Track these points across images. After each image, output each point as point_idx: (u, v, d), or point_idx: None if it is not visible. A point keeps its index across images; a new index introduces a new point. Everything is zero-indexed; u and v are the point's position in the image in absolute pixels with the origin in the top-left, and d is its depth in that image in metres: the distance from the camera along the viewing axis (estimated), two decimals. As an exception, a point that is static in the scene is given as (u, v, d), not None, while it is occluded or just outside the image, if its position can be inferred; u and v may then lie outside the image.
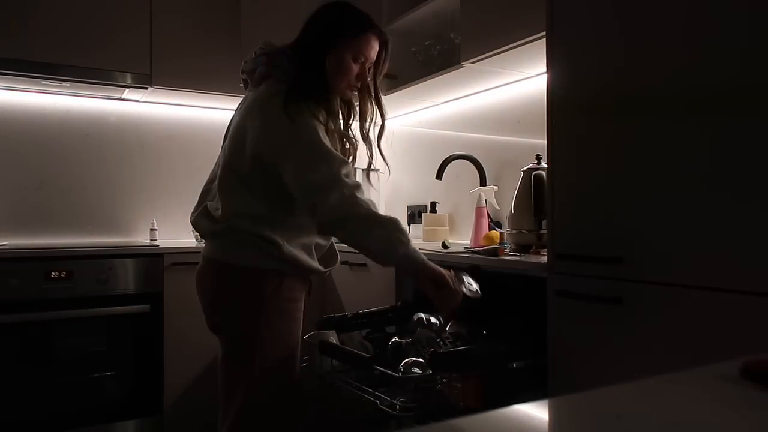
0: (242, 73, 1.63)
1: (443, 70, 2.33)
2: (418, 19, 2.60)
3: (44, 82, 2.57)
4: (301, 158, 1.43)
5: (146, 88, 2.69)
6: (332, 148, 1.45)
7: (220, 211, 1.51)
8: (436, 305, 1.47)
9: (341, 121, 1.64)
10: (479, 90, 2.57)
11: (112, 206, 2.91)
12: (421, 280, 1.42)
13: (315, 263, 1.55)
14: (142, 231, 2.91)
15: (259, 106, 1.50)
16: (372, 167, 1.67)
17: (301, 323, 1.59)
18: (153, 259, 2.44)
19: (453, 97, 2.73)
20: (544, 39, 1.49)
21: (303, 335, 1.62)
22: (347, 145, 1.64)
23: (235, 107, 1.64)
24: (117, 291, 2.36)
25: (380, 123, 1.67)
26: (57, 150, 2.81)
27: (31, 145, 2.76)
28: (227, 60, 2.72)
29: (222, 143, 1.62)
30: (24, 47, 2.40)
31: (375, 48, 1.59)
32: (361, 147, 1.66)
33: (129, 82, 2.62)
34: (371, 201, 1.44)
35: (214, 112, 3.07)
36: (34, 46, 2.42)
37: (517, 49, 1.99)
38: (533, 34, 1.87)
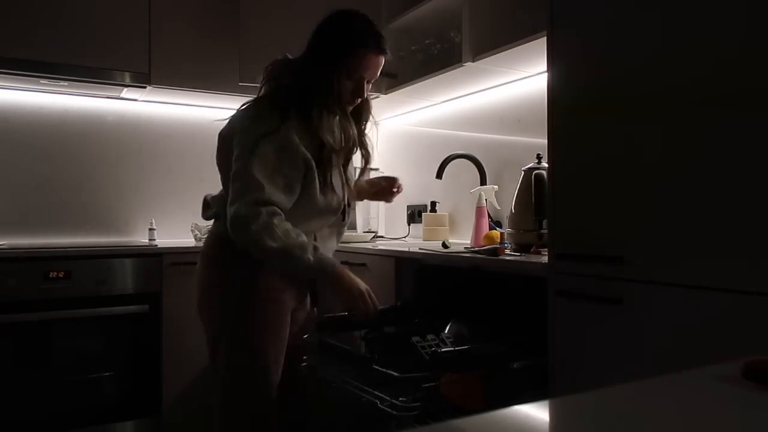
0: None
1: (443, 68, 2.32)
2: (418, 18, 2.60)
3: (42, 81, 2.57)
4: (235, 176, 1.43)
5: (145, 87, 2.69)
6: (266, 171, 1.40)
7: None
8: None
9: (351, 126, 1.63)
10: (479, 89, 2.57)
11: (111, 206, 2.91)
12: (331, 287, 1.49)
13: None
14: (141, 231, 2.90)
15: (240, 111, 1.55)
16: (371, 167, 1.67)
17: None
18: (152, 259, 2.43)
19: (453, 96, 2.72)
20: (545, 38, 1.49)
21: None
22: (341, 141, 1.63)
23: (234, 106, 1.65)
24: (115, 291, 2.35)
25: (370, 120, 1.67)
26: (55, 149, 2.80)
27: (30, 144, 2.75)
28: (226, 59, 2.72)
29: None
30: (22, 46, 2.40)
31: (372, 66, 1.53)
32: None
33: (127, 81, 2.62)
34: (284, 230, 1.40)
35: (212, 111, 3.04)
36: (32, 46, 2.41)
37: (517, 48, 1.99)
38: (534, 33, 1.87)
